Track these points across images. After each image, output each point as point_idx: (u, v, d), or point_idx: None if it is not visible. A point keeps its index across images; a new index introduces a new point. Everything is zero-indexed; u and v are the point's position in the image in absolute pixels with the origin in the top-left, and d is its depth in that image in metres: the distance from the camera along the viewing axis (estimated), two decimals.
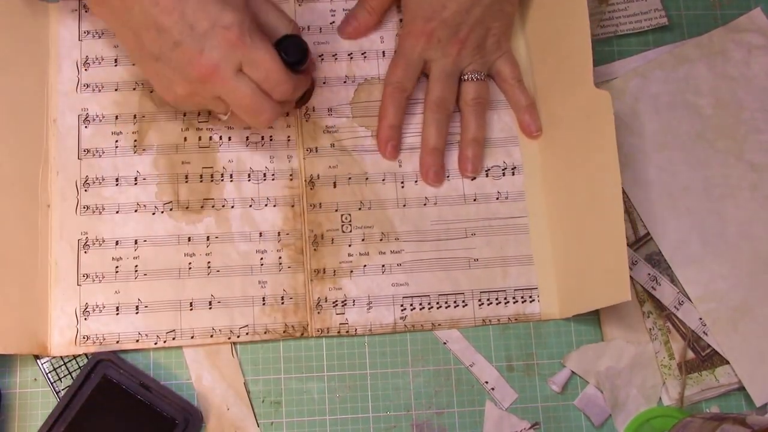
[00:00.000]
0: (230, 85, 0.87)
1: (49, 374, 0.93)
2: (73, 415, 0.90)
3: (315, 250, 0.98)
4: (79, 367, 0.94)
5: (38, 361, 0.94)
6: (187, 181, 0.98)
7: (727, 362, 0.97)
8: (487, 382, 0.97)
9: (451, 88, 1.00)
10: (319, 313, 0.96)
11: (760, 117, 1.04)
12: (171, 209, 0.98)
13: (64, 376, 0.93)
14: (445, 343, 0.97)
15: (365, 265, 0.98)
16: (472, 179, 1.01)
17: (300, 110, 1.01)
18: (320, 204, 0.99)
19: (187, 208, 0.98)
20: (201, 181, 0.99)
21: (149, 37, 0.86)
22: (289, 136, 1.00)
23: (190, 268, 0.97)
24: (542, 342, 0.98)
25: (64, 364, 0.94)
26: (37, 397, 0.93)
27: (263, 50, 0.86)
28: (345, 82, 1.03)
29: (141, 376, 0.92)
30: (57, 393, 0.93)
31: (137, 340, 0.94)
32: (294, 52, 0.90)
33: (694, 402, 0.97)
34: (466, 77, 1.00)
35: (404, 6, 1.01)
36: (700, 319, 0.98)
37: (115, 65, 1.00)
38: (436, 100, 0.99)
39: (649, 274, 0.99)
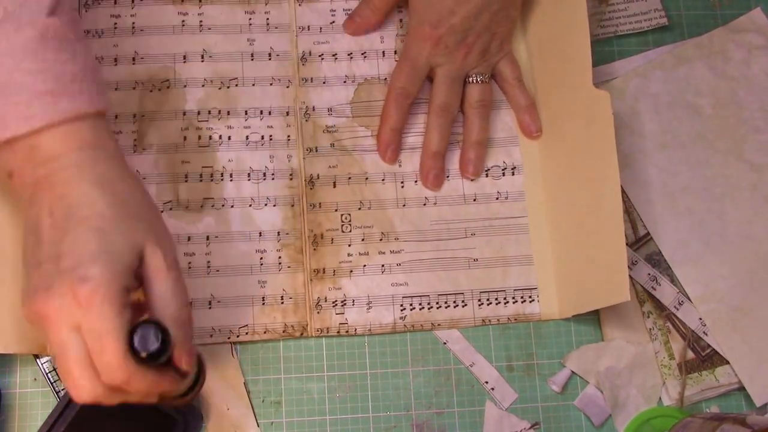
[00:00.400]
0: (57, 338, 0.74)
1: (49, 374, 0.93)
2: (74, 414, 0.89)
3: (315, 249, 0.97)
4: None
5: (38, 360, 0.93)
6: (186, 181, 0.98)
7: (727, 362, 0.97)
8: (487, 382, 0.96)
9: (455, 92, 0.99)
10: (318, 312, 0.96)
11: (760, 117, 1.03)
12: (171, 209, 0.97)
13: None
14: (445, 343, 0.97)
15: (365, 265, 0.98)
16: (472, 180, 1.00)
17: (299, 111, 1.01)
18: (320, 204, 0.99)
19: (186, 207, 0.97)
20: (201, 181, 0.98)
21: (29, 241, 0.78)
22: (289, 136, 1.00)
23: (189, 268, 0.96)
24: (542, 342, 0.98)
25: None
26: (37, 397, 0.92)
27: (107, 325, 0.72)
28: (345, 81, 1.03)
29: None
30: (57, 393, 0.92)
31: None
32: (148, 342, 0.73)
33: (694, 402, 0.97)
34: (470, 80, 1.00)
35: (411, 9, 1.00)
36: (700, 319, 0.98)
37: (115, 64, 1.00)
38: (441, 105, 0.99)
39: (649, 274, 0.99)
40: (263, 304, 0.96)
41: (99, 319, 0.72)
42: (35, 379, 0.93)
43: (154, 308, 0.76)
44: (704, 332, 0.97)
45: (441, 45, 0.97)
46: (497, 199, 1.01)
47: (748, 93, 1.04)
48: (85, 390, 0.74)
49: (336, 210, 0.99)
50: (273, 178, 0.99)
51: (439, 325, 0.97)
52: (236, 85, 1.00)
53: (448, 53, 0.98)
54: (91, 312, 0.72)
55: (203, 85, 1.00)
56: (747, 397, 0.97)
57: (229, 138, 0.99)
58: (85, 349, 0.73)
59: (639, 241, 1.00)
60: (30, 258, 0.77)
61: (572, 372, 0.97)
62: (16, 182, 0.80)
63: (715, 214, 1.00)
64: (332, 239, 0.98)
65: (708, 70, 1.05)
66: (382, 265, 0.98)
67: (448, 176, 1.01)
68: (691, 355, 0.97)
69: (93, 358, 0.73)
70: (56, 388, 0.92)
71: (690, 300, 0.98)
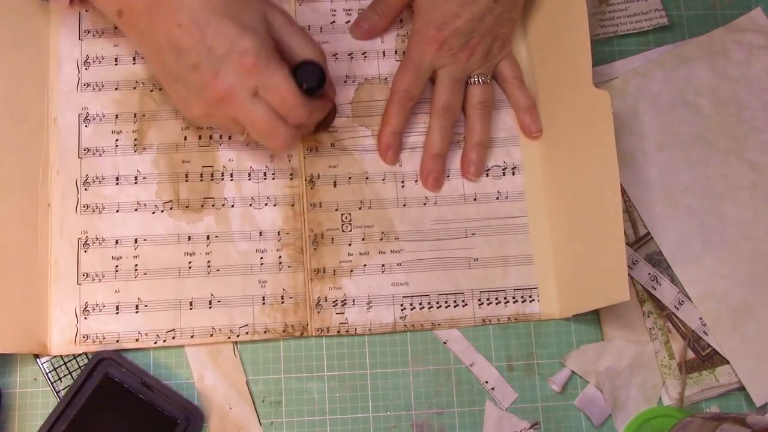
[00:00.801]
0: (245, 109, 0.87)
1: (49, 374, 0.92)
2: (75, 413, 0.89)
3: (315, 249, 0.97)
4: (79, 367, 0.93)
5: (38, 360, 0.93)
6: (187, 180, 0.97)
7: (727, 362, 0.96)
8: (487, 382, 0.96)
9: (458, 93, 0.99)
10: (318, 312, 0.96)
11: (760, 117, 1.03)
12: (171, 208, 0.97)
13: (64, 375, 0.92)
14: (445, 343, 0.96)
15: (365, 265, 0.97)
16: (473, 181, 1.00)
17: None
18: (320, 203, 0.98)
19: (187, 207, 0.97)
20: (201, 180, 0.98)
21: (170, 59, 0.86)
22: None
23: (190, 268, 0.96)
24: (542, 342, 0.97)
25: (65, 363, 0.93)
26: (37, 397, 0.92)
27: (279, 76, 0.86)
28: (345, 81, 1.02)
29: (143, 375, 0.91)
30: (57, 393, 0.92)
31: (137, 340, 0.94)
32: (310, 79, 0.88)
33: (694, 402, 0.96)
34: (472, 81, 0.99)
35: (415, 12, 0.99)
36: (701, 318, 0.97)
37: (116, 64, 0.99)
38: (443, 106, 0.98)
39: (649, 273, 0.98)
40: (263, 303, 0.95)
41: (270, 75, 0.85)
42: (35, 379, 0.93)
43: (298, 55, 0.90)
44: (704, 332, 0.97)
45: (445, 47, 0.97)
46: (497, 198, 1.00)
47: (749, 93, 1.03)
48: (281, 137, 0.89)
49: (336, 210, 0.98)
50: (273, 178, 0.98)
51: (439, 324, 0.96)
52: None
53: (452, 55, 0.97)
54: (262, 73, 0.85)
55: None
56: (747, 397, 0.96)
57: (229, 138, 0.99)
58: (269, 107, 0.87)
59: (639, 241, 0.99)
60: (178, 71, 0.87)
61: (572, 372, 0.96)
62: (127, 19, 0.89)
63: (715, 214, 1.00)
64: (332, 239, 0.97)
65: (708, 70, 1.04)
66: (383, 265, 0.98)
67: (448, 176, 1.00)
68: (691, 354, 0.97)
69: (277, 109, 0.87)
70: (56, 388, 0.92)
71: (690, 300, 0.98)
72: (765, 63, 1.04)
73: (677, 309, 0.97)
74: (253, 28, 0.85)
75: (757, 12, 1.06)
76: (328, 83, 0.92)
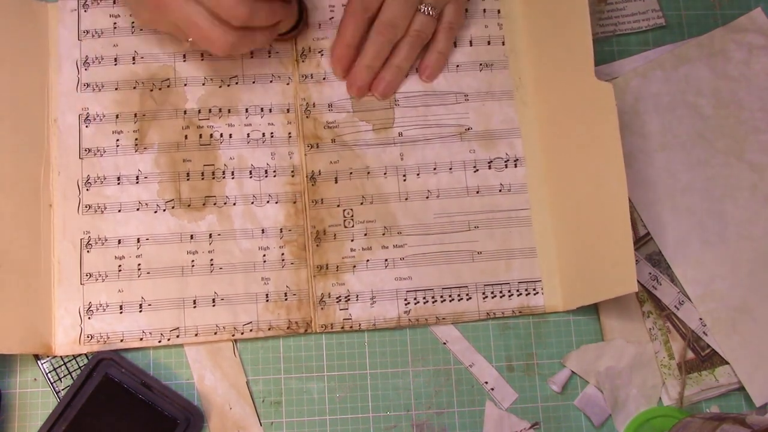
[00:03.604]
0: (182, 12, 0.82)
1: (49, 374, 0.89)
2: (75, 413, 0.86)
3: (317, 246, 0.94)
4: (79, 367, 0.90)
5: (38, 361, 0.90)
6: (188, 179, 0.94)
7: (727, 362, 0.93)
8: (487, 382, 0.93)
9: (406, 13, 0.94)
10: (322, 308, 0.92)
11: (760, 117, 0.99)
12: (173, 207, 0.94)
13: (64, 376, 0.89)
14: (444, 343, 0.93)
15: (368, 260, 0.94)
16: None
17: (300, 108, 0.97)
18: (322, 200, 0.95)
19: (189, 205, 0.94)
20: (202, 179, 0.94)
21: None
22: (290, 133, 0.96)
23: (192, 266, 0.92)
24: (542, 342, 0.94)
25: (64, 364, 0.90)
26: (37, 397, 0.90)
27: None
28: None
29: (143, 376, 0.88)
30: (57, 393, 0.89)
31: (141, 339, 0.91)
32: None
33: (694, 402, 0.93)
34: (421, 9, 0.95)
35: None
36: (700, 319, 0.94)
37: (115, 64, 0.96)
38: (387, 21, 0.94)
39: (650, 273, 0.95)
40: (267, 301, 0.92)
41: None
42: (35, 379, 0.90)
43: None
44: (704, 332, 0.94)
45: None
46: (500, 191, 0.97)
47: (749, 93, 1.00)
48: (220, 41, 0.83)
49: (338, 205, 0.95)
50: (275, 175, 0.95)
51: (443, 319, 0.93)
52: (236, 83, 0.97)
53: None
54: None
55: (204, 84, 0.96)
56: (747, 397, 0.93)
57: (230, 136, 0.96)
58: (206, 9, 0.81)
59: (639, 241, 0.96)
60: None
61: (572, 372, 0.93)
62: None
63: (715, 214, 0.97)
64: (335, 235, 0.94)
65: (708, 70, 1.01)
66: (386, 260, 0.94)
67: (450, 169, 0.96)
68: (690, 355, 0.94)
69: (215, 11, 0.81)
70: (56, 388, 0.89)
71: (690, 300, 0.95)
72: (765, 63, 1.01)
73: (677, 309, 0.94)
74: None
75: (757, 12, 1.03)
76: None
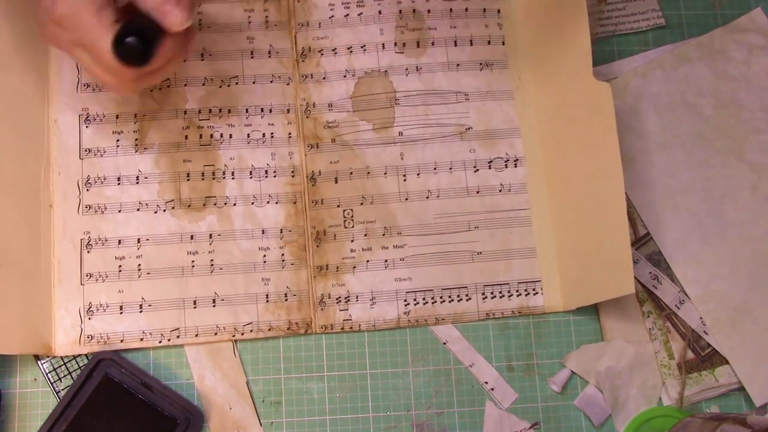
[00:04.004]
0: (72, 54, 0.79)
1: (49, 374, 0.89)
2: (75, 413, 0.86)
3: (317, 246, 0.93)
4: (79, 368, 0.89)
5: (38, 361, 0.89)
6: (188, 180, 0.94)
7: (727, 362, 0.93)
8: (486, 382, 0.92)
9: None
10: (322, 309, 0.92)
11: (760, 117, 0.99)
12: (173, 207, 0.93)
13: (64, 376, 0.89)
14: (445, 343, 0.92)
15: (368, 261, 0.93)
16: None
17: (300, 108, 0.96)
18: (322, 200, 0.94)
19: (189, 206, 0.93)
20: (203, 179, 0.94)
21: None
22: (290, 133, 0.96)
23: (193, 266, 0.92)
24: (542, 342, 0.93)
25: (64, 364, 0.89)
26: (37, 397, 0.89)
27: (100, 44, 0.75)
28: (345, 76, 0.98)
29: (142, 376, 0.87)
30: (57, 393, 0.88)
31: (141, 339, 0.90)
32: (132, 55, 0.75)
33: (694, 402, 0.92)
34: None
35: None
36: (701, 318, 0.93)
37: None
38: None
39: (650, 272, 0.95)
40: (267, 301, 0.92)
41: (92, 38, 0.75)
42: (35, 379, 0.89)
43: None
44: (704, 332, 0.93)
45: None
46: (500, 191, 0.96)
47: (749, 93, 0.99)
48: (109, 84, 0.80)
49: (338, 206, 0.94)
50: (275, 176, 0.95)
51: (443, 319, 0.93)
52: (236, 84, 0.96)
53: None
54: (84, 34, 0.75)
55: (204, 84, 0.96)
56: (747, 397, 0.93)
57: (231, 136, 0.95)
58: (90, 57, 0.77)
59: (639, 241, 0.96)
60: None
61: (572, 372, 0.93)
62: None
63: (715, 214, 0.96)
64: (335, 235, 0.94)
65: (708, 70, 1.00)
66: (385, 260, 0.94)
67: (450, 168, 0.96)
68: (690, 355, 0.93)
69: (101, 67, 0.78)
70: (56, 388, 0.89)
71: (690, 299, 0.94)
72: (765, 63, 1.00)
73: (678, 308, 0.94)
74: None
75: (757, 12, 1.02)
76: (172, 39, 0.78)
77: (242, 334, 0.90)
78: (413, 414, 0.90)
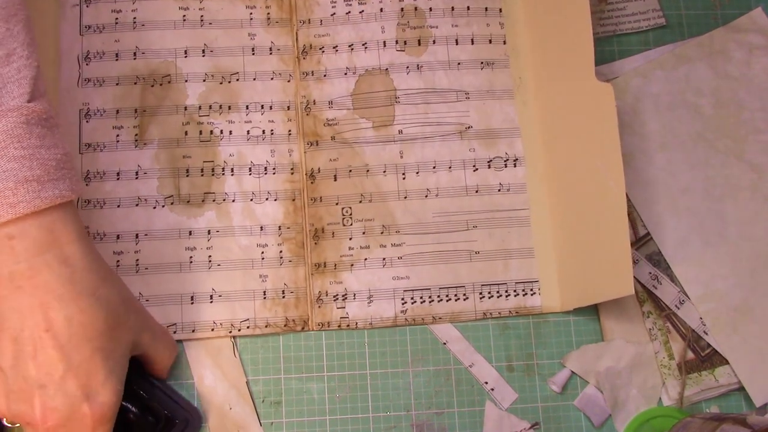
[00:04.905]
0: None
1: None
2: None
3: (316, 243, 0.92)
4: None
5: None
6: (188, 175, 0.92)
7: (727, 362, 0.92)
8: (486, 383, 0.91)
9: None
10: (319, 307, 0.91)
11: (760, 117, 0.98)
12: (172, 203, 0.92)
13: None
14: (444, 344, 0.91)
15: (366, 259, 0.92)
16: None
17: (300, 105, 0.95)
18: (321, 198, 0.93)
19: (188, 202, 0.92)
20: (202, 175, 0.93)
21: (8, 347, 0.73)
22: (290, 130, 0.94)
23: (191, 262, 0.91)
24: (542, 342, 0.92)
25: None
26: None
27: None
28: (346, 73, 0.97)
29: (140, 375, 0.85)
30: None
31: None
32: None
33: (693, 402, 0.92)
34: None
35: None
36: (701, 318, 0.93)
37: (116, 60, 0.95)
38: None
39: (650, 272, 0.94)
40: (264, 298, 0.90)
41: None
42: None
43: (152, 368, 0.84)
44: (704, 332, 0.92)
45: None
46: (499, 191, 0.95)
47: (749, 93, 0.99)
48: None
49: (337, 204, 0.93)
50: (274, 173, 0.93)
51: (440, 318, 0.91)
52: (237, 80, 0.95)
53: None
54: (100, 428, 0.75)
55: (204, 80, 0.95)
56: (747, 397, 0.92)
57: (231, 132, 0.94)
58: None
59: (639, 241, 0.95)
60: (9, 365, 0.74)
61: (572, 372, 0.92)
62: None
63: (715, 214, 0.95)
64: (333, 233, 0.92)
65: (709, 70, 0.99)
66: (383, 259, 0.93)
67: (450, 167, 0.95)
68: (690, 355, 0.92)
69: None
70: None
71: (690, 299, 0.93)
72: (765, 63, 0.99)
73: (678, 308, 0.93)
74: (117, 371, 0.76)
75: (757, 12, 1.01)
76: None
77: (239, 330, 0.89)
78: (413, 414, 0.89)
